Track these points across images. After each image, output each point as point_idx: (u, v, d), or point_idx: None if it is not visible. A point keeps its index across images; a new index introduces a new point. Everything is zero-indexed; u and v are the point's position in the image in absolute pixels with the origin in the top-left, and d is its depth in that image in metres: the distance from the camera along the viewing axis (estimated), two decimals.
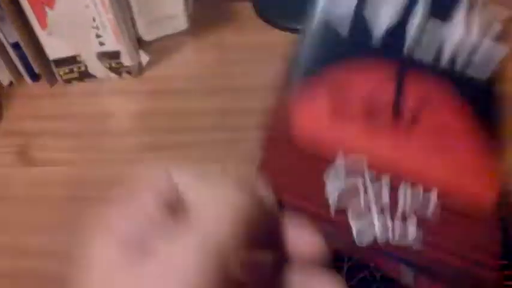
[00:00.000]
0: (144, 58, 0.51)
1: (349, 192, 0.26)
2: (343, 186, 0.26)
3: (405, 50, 0.29)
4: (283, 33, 0.54)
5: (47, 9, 0.44)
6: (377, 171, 0.26)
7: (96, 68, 0.49)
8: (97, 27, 0.46)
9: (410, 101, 0.28)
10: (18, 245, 0.39)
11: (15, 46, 0.47)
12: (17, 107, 0.49)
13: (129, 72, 0.50)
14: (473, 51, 0.30)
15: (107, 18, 0.45)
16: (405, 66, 0.29)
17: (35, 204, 0.41)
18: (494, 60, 0.30)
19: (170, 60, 0.52)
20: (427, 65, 0.29)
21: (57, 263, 0.36)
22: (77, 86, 0.50)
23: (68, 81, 0.50)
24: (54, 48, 0.47)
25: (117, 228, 0.19)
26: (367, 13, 0.30)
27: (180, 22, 0.54)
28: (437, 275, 0.25)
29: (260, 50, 0.52)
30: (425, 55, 0.29)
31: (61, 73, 0.49)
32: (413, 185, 0.26)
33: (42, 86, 0.50)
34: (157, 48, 0.53)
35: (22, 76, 0.50)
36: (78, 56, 0.48)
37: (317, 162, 0.26)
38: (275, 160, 0.28)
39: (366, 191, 0.26)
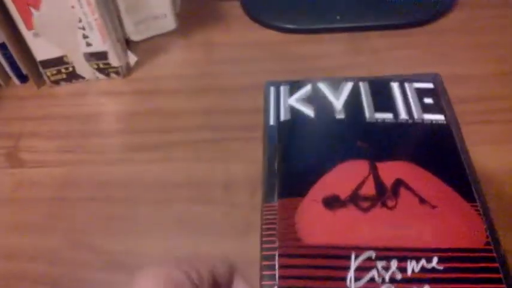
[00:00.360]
0: (132, 58, 0.51)
1: (368, 282, 0.28)
2: (362, 283, 0.28)
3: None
4: (271, 32, 0.54)
5: (32, 10, 0.44)
6: (385, 259, 0.29)
7: (84, 68, 0.49)
8: (83, 28, 0.46)
9: (387, 186, 0.33)
10: (7, 247, 0.39)
11: (2, 47, 0.47)
12: (5, 109, 0.49)
13: (117, 73, 0.50)
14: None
15: (93, 19, 0.45)
16: (373, 161, 0.34)
17: (24, 205, 0.41)
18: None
19: (158, 60, 0.52)
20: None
21: (46, 264, 0.37)
22: (64, 87, 0.50)
23: (56, 82, 0.50)
24: (41, 49, 0.47)
25: None
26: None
27: (168, 22, 0.54)
28: None
29: (248, 49, 0.53)
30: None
31: (48, 74, 0.49)
32: (416, 258, 0.29)
33: (30, 87, 0.50)
34: (146, 49, 0.53)
35: (10, 77, 0.50)
36: (66, 56, 0.48)
37: (332, 269, 0.29)
38: (292, 273, 0.30)
39: (380, 277, 0.29)
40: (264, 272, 0.31)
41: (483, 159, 0.39)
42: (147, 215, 0.39)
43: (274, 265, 0.31)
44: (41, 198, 0.41)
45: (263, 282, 0.31)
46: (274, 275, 0.30)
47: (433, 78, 0.43)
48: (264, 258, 0.32)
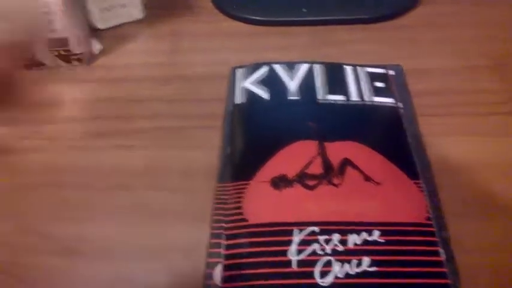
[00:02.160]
0: (96, 46, 0.51)
1: (309, 255, 0.30)
2: (303, 255, 0.29)
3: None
4: (239, 23, 0.55)
5: None
6: (328, 232, 0.30)
7: (45, 55, 0.49)
8: (45, 13, 0.45)
9: (334, 165, 0.34)
10: None
11: None
12: None
13: (79, 60, 0.50)
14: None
15: (55, 4, 0.45)
16: (322, 141, 0.35)
17: None
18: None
19: (124, 48, 0.52)
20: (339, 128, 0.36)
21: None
22: (25, 74, 0.50)
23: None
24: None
25: None
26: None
27: (136, 11, 0.54)
28: None
29: (215, 40, 0.53)
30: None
31: None
32: (358, 231, 0.30)
33: None
34: (111, 37, 0.53)
35: None
36: None
37: (276, 244, 0.30)
38: (238, 252, 0.31)
39: (322, 249, 0.30)
40: (211, 250, 0.31)
41: (441, 150, 0.40)
42: (102, 201, 0.38)
43: (221, 244, 0.31)
44: None
45: (209, 260, 0.31)
46: (220, 253, 0.30)
47: (394, 68, 0.43)
48: (212, 236, 0.32)
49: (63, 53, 0.49)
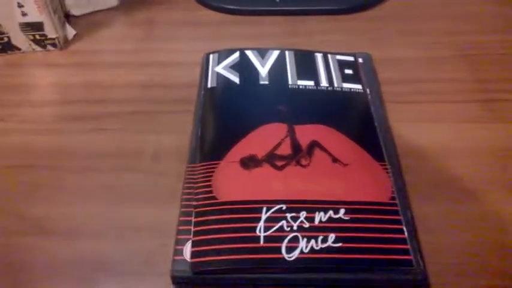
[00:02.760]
0: (70, 31, 0.51)
1: (276, 231, 0.30)
2: (270, 232, 0.30)
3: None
4: (212, 12, 0.55)
5: None
6: (295, 210, 0.31)
7: (20, 39, 0.49)
8: None
9: (303, 146, 0.35)
10: None
11: None
12: None
13: (54, 45, 0.50)
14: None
15: None
16: (292, 124, 0.36)
17: None
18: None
19: (98, 35, 0.53)
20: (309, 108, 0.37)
21: None
22: (0, 58, 0.50)
23: None
24: None
25: None
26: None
27: None
28: (358, 270, 0.30)
29: (189, 28, 0.54)
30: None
31: None
32: (324, 209, 0.31)
33: None
34: (86, 23, 0.53)
35: None
36: (0, 26, 0.47)
37: (245, 221, 0.31)
38: (206, 228, 0.31)
39: (289, 226, 0.30)
40: (180, 227, 0.32)
41: (407, 135, 0.41)
42: (74, 183, 0.39)
43: (190, 221, 0.32)
44: None
45: (178, 236, 0.32)
46: (190, 230, 0.31)
47: (362, 56, 0.45)
48: (182, 214, 0.33)
49: (38, 37, 0.49)
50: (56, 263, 0.34)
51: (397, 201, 0.33)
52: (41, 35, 0.49)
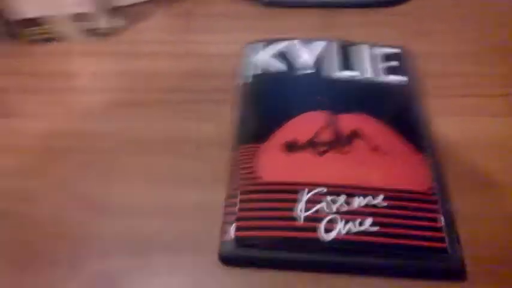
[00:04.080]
0: (118, 22, 0.53)
1: (315, 212, 0.32)
2: (310, 212, 0.32)
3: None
4: (250, 4, 0.57)
5: None
6: (335, 194, 0.32)
7: (68, 29, 0.51)
8: None
9: (344, 134, 0.36)
10: None
11: None
12: None
13: (101, 35, 0.52)
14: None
15: None
16: (334, 113, 0.37)
17: (11, 152, 0.43)
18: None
19: (141, 25, 0.55)
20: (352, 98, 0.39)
21: (28, 205, 0.39)
22: (50, 47, 0.52)
23: (39, 41, 0.52)
24: (25, 7, 0.49)
25: None
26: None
27: None
28: (393, 255, 0.31)
29: (227, 21, 0.55)
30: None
31: (32, 33, 0.51)
32: (363, 195, 0.32)
33: (12, 45, 0.52)
34: (130, 14, 0.55)
35: None
36: (50, 16, 0.50)
37: (285, 201, 0.32)
38: (250, 206, 0.33)
39: (328, 208, 0.32)
40: (227, 208, 0.34)
41: (448, 128, 0.42)
42: (123, 165, 0.41)
43: (236, 203, 0.33)
44: (26, 146, 0.43)
45: (225, 218, 0.33)
46: (235, 211, 0.33)
47: (402, 49, 0.45)
48: (228, 196, 0.35)
49: (86, 27, 0.51)
50: (109, 238, 0.36)
51: (435, 191, 0.34)
52: (89, 25, 0.51)
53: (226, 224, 0.32)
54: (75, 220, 0.37)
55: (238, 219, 0.32)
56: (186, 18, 0.56)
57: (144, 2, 0.56)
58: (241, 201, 0.33)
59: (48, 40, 0.52)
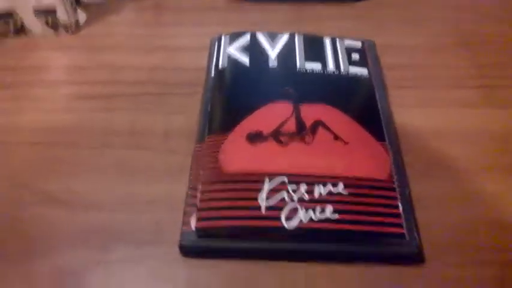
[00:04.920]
0: (82, 16, 0.52)
1: (277, 202, 0.32)
2: (272, 202, 0.32)
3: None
4: None
5: None
6: (296, 183, 0.33)
7: (33, 23, 0.50)
8: None
9: (307, 125, 0.36)
10: None
11: None
12: None
13: (66, 29, 0.51)
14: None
15: None
16: (297, 104, 0.38)
17: None
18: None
19: (108, 19, 0.54)
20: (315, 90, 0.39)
21: None
22: (12, 40, 0.51)
23: (4, 35, 0.51)
24: None
25: None
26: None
27: None
28: (353, 241, 0.31)
29: (196, 14, 0.55)
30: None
31: None
32: (324, 183, 0.33)
33: None
34: (97, 9, 0.55)
35: None
36: (15, 10, 0.49)
37: (248, 191, 0.33)
38: (212, 196, 0.33)
39: (290, 197, 0.32)
40: (189, 200, 0.34)
41: (407, 119, 0.43)
42: (86, 159, 0.41)
43: (197, 191, 0.33)
44: None
45: (186, 209, 0.34)
46: (196, 196, 0.33)
47: (364, 41, 0.46)
48: (190, 188, 0.35)
49: (51, 21, 0.50)
50: (71, 233, 0.35)
51: (394, 179, 0.35)
52: (53, 19, 0.50)
53: (187, 214, 0.33)
54: (35, 216, 0.37)
55: (199, 210, 0.32)
56: (155, 11, 0.56)
57: None
58: (203, 191, 0.33)
59: (13, 33, 0.51)
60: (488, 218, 0.36)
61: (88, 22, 0.53)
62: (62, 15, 0.50)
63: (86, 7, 0.54)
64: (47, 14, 0.50)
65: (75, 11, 0.52)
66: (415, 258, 0.32)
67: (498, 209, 0.36)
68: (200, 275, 0.33)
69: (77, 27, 0.52)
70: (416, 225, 0.34)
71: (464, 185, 0.38)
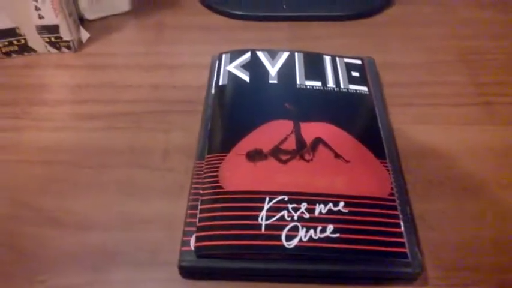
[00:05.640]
0: (84, 34, 0.53)
1: (277, 220, 0.32)
2: (272, 220, 0.32)
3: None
4: (220, 17, 0.57)
5: None
6: (296, 202, 0.32)
7: (36, 41, 0.51)
8: (36, 0, 0.47)
9: (307, 142, 0.36)
10: None
11: None
12: None
13: (68, 47, 0.52)
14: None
15: None
16: (298, 121, 0.38)
17: None
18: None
19: (111, 38, 0.55)
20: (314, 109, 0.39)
21: None
22: (16, 59, 0.52)
23: (7, 53, 0.51)
24: None
25: None
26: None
27: (123, 3, 0.56)
28: (354, 261, 0.31)
29: (197, 32, 0.56)
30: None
31: (0, 45, 0.50)
32: (324, 202, 0.32)
33: None
34: (99, 27, 0.55)
35: None
36: (18, 28, 0.50)
37: (247, 210, 0.32)
38: (211, 215, 0.33)
39: (290, 216, 0.32)
40: (188, 220, 0.34)
41: (408, 136, 0.43)
42: (86, 178, 0.40)
43: (197, 209, 0.33)
44: None
45: (186, 228, 0.33)
46: (196, 216, 0.33)
47: (364, 59, 0.46)
48: (190, 207, 0.35)
49: (53, 39, 0.51)
50: (67, 252, 0.35)
51: (395, 197, 0.34)
52: (56, 38, 0.51)
53: (186, 234, 0.32)
54: (31, 235, 0.36)
55: (198, 229, 0.32)
56: (157, 30, 0.56)
57: (114, 15, 0.57)
58: (202, 210, 0.33)
59: (15, 52, 0.52)
60: (491, 237, 0.35)
61: (91, 40, 0.54)
62: (64, 34, 0.51)
63: (88, 25, 0.55)
64: (50, 33, 0.50)
65: (77, 29, 0.52)
66: (418, 277, 0.32)
67: (501, 228, 0.36)
68: None
69: (80, 45, 0.53)
70: (418, 245, 0.33)
71: (467, 203, 0.38)
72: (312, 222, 0.31)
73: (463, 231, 0.36)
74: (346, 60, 0.45)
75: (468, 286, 0.33)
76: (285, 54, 0.44)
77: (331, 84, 0.41)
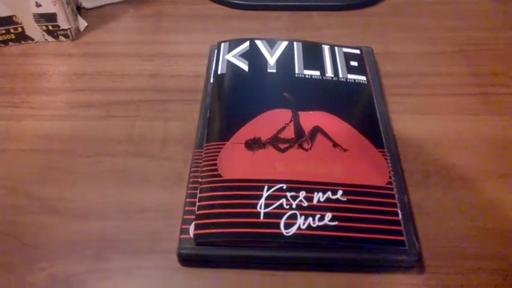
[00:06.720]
0: (82, 23, 0.52)
1: (276, 208, 0.32)
2: (270, 208, 0.32)
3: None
4: (219, 6, 0.57)
5: None
6: (295, 190, 0.33)
7: (33, 30, 0.51)
8: None
9: (306, 131, 0.36)
10: None
11: None
12: None
13: (66, 36, 0.52)
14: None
15: None
16: (296, 110, 0.38)
17: None
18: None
19: (108, 27, 0.54)
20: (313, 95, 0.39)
21: None
22: (13, 47, 0.51)
23: (4, 42, 0.51)
24: None
25: None
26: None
27: None
28: (352, 248, 0.31)
29: (195, 22, 0.55)
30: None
31: None
32: (322, 190, 0.33)
33: None
34: (97, 16, 0.55)
35: None
36: (15, 16, 0.49)
37: (246, 198, 0.32)
38: (210, 204, 0.33)
39: (288, 204, 0.32)
40: (187, 208, 0.34)
41: (406, 126, 0.43)
42: (84, 166, 0.40)
43: (196, 198, 0.33)
44: None
45: (185, 216, 0.33)
46: (195, 204, 0.33)
47: (365, 49, 0.46)
48: (188, 195, 0.35)
49: (51, 28, 0.50)
50: (67, 241, 0.35)
51: (393, 186, 0.35)
52: (53, 26, 0.50)
53: (185, 222, 0.32)
54: (30, 223, 0.36)
55: (197, 217, 0.32)
56: (155, 19, 0.56)
57: (113, 4, 0.56)
58: (201, 199, 0.33)
59: (12, 41, 0.51)
60: (488, 226, 0.36)
61: (88, 29, 0.54)
62: (62, 22, 0.50)
63: (86, 13, 0.55)
64: (47, 21, 0.50)
65: (75, 18, 0.52)
66: (415, 265, 0.32)
67: (498, 217, 0.36)
68: (198, 285, 0.32)
69: (77, 34, 0.53)
70: (415, 233, 0.33)
71: (464, 192, 0.38)
72: (311, 210, 0.32)
73: (460, 220, 0.36)
74: (344, 49, 0.45)
75: (465, 274, 0.33)
76: (284, 44, 0.44)
77: (329, 73, 0.41)
